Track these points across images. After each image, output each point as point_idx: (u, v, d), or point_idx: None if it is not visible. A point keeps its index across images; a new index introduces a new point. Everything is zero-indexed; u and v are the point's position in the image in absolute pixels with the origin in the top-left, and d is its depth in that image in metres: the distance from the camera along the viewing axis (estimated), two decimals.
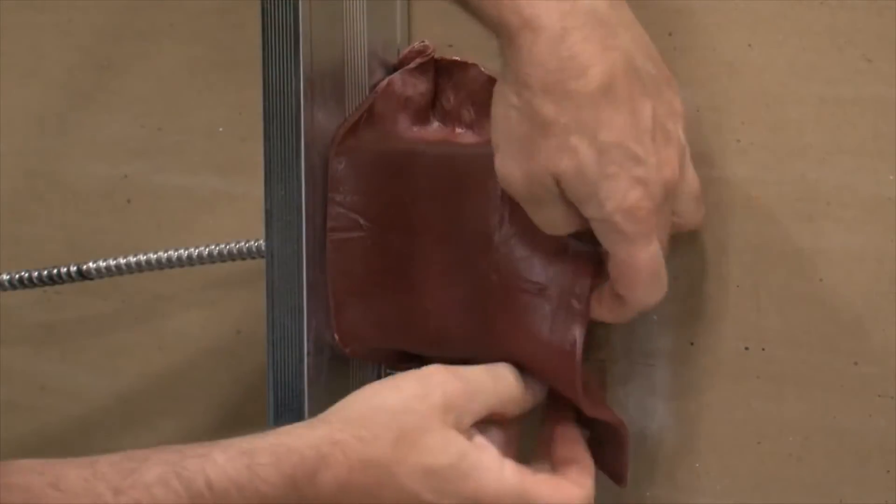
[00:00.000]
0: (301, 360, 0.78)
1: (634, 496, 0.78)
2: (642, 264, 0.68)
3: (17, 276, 0.96)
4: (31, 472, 0.63)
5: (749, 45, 0.74)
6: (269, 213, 0.78)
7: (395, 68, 0.82)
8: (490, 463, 0.69)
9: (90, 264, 0.93)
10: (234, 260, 0.88)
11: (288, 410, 0.78)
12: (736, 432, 0.76)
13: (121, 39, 0.97)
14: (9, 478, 0.62)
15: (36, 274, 0.95)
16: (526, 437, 0.75)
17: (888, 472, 0.72)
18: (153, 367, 0.99)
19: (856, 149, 0.72)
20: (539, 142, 0.66)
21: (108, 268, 0.92)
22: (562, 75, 0.64)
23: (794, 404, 0.75)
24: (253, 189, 0.85)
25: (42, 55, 1.01)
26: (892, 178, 0.71)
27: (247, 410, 0.95)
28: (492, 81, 0.70)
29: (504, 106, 0.67)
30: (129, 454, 0.65)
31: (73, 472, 0.63)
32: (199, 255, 0.89)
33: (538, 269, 0.72)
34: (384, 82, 0.81)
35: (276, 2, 0.76)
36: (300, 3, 0.76)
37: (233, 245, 0.88)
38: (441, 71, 0.82)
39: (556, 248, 0.72)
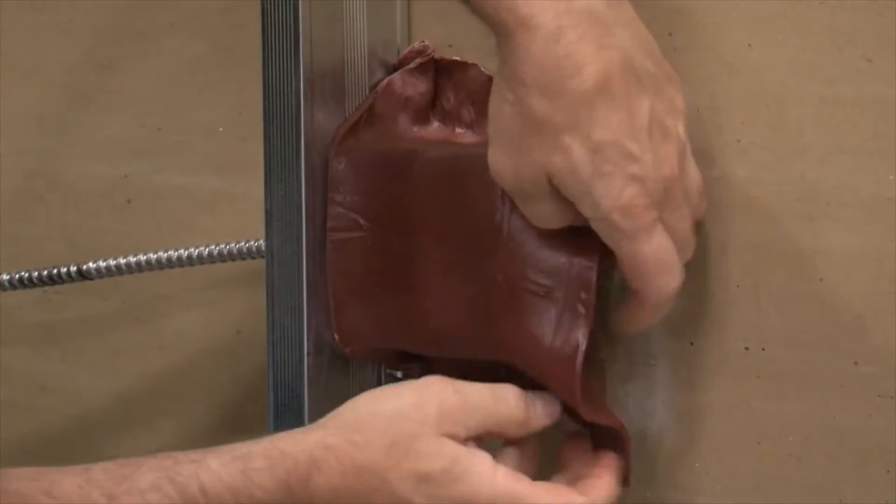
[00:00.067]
0: (301, 360, 0.78)
1: (634, 496, 0.78)
2: (648, 257, 0.68)
3: (17, 276, 0.96)
4: (25, 479, 0.63)
5: (749, 45, 0.74)
6: (269, 213, 0.78)
7: (395, 68, 0.82)
8: (482, 467, 0.69)
9: (90, 264, 0.93)
10: (234, 260, 0.88)
11: (288, 410, 0.78)
12: (736, 432, 0.76)
13: (121, 39, 0.97)
14: (3, 484, 0.62)
15: (36, 274, 0.95)
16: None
17: (888, 472, 0.72)
18: (153, 367, 0.99)
19: (856, 149, 0.72)
20: (531, 139, 0.66)
21: (108, 268, 0.92)
22: (557, 74, 0.65)
23: (794, 404, 0.75)
24: (253, 189, 0.85)
25: (42, 55, 1.01)
26: (892, 178, 0.71)
27: (247, 410, 0.95)
28: (492, 81, 0.70)
29: (499, 101, 0.68)
30: (123, 461, 0.65)
31: (67, 479, 0.64)
32: (199, 255, 0.89)
33: (545, 271, 0.72)
34: (384, 82, 0.81)
35: (276, 2, 0.76)
36: (300, 3, 0.76)
37: (233, 245, 0.88)
38: (441, 71, 0.82)
39: (562, 250, 0.72)
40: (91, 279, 0.93)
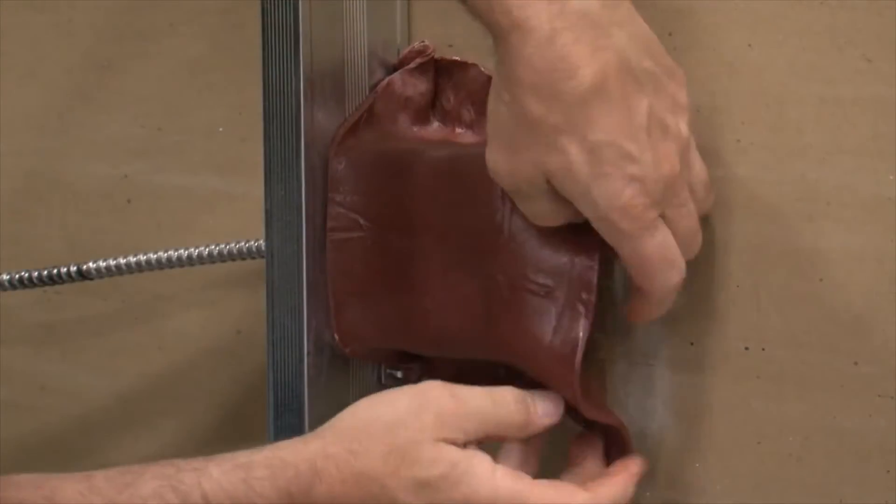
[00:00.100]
0: (301, 360, 0.78)
1: (634, 496, 0.78)
2: (650, 255, 0.68)
3: (17, 276, 0.96)
4: (27, 487, 0.63)
5: (749, 45, 0.74)
6: (269, 213, 0.78)
7: (395, 68, 0.82)
8: (481, 469, 0.68)
9: (90, 264, 0.93)
10: (234, 260, 0.88)
11: (288, 410, 0.78)
12: (736, 432, 0.76)
13: (121, 39, 0.97)
14: (5, 492, 0.62)
15: (36, 274, 0.95)
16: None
17: (888, 472, 0.72)
18: (153, 367, 0.99)
19: (856, 149, 0.72)
20: (527, 139, 0.66)
21: (108, 268, 0.92)
22: (551, 76, 0.65)
23: (794, 404, 0.75)
24: (253, 189, 0.85)
25: (42, 55, 1.01)
26: (892, 178, 0.71)
27: (247, 410, 0.95)
28: (491, 81, 0.70)
29: (496, 101, 0.68)
30: (125, 469, 0.65)
31: (69, 487, 0.64)
32: (199, 255, 0.89)
33: (546, 271, 0.72)
34: (384, 82, 0.81)
35: (276, 2, 0.76)
36: (300, 3, 0.76)
37: (233, 245, 0.88)
38: (441, 71, 0.82)
39: (563, 250, 0.72)
40: (91, 279, 0.93)
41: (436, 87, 0.82)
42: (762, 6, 0.73)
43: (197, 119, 0.94)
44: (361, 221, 0.79)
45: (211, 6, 0.93)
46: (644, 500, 0.79)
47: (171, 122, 0.96)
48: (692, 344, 0.77)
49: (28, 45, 1.01)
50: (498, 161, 0.69)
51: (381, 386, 0.83)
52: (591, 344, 0.73)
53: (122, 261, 0.92)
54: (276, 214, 0.78)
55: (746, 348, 0.76)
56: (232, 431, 0.96)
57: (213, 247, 0.89)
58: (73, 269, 0.93)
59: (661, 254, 0.68)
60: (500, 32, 0.65)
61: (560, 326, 0.72)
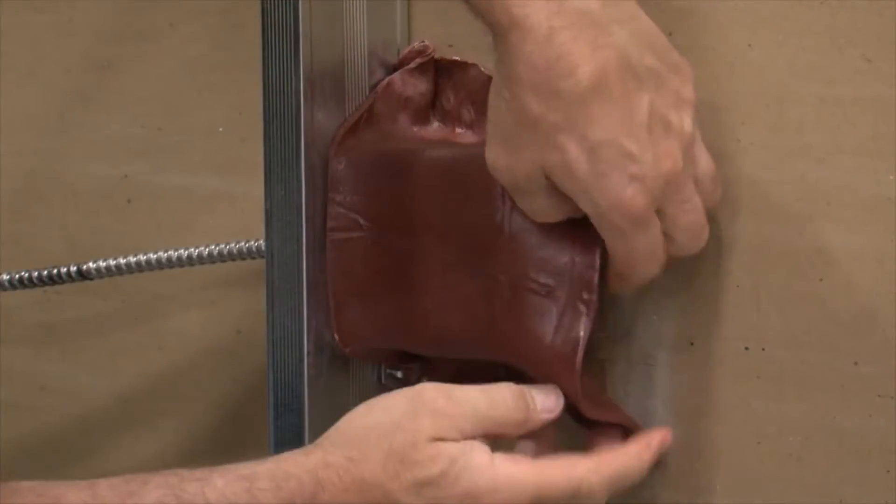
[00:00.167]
0: (301, 360, 0.78)
1: (635, 496, 0.78)
2: (639, 250, 0.69)
3: (17, 276, 0.96)
4: (29, 494, 0.63)
5: (749, 45, 0.74)
6: (269, 213, 0.78)
7: (395, 68, 0.82)
8: (479, 460, 0.69)
9: (90, 264, 0.93)
10: (234, 260, 0.88)
11: (288, 410, 0.78)
12: (736, 432, 0.76)
13: (121, 39, 0.97)
14: (6, 499, 0.62)
15: (36, 274, 0.95)
16: None
17: (888, 472, 0.72)
18: (153, 367, 0.99)
19: (856, 149, 0.72)
20: (526, 137, 0.66)
21: (108, 268, 0.92)
22: (550, 75, 0.65)
23: (794, 404, 0.75)
24: (253, 189, 0.85)
25: (42, 55, 1.01)
26: (892, 178, 0.71)
27: (247, 410, 0.95)
28: (491, 81, 0.70)
29: (496, 97, 0.68)
30: (129, 477, 0.65)
31: (72, 495, 0.63)
32: (199, 255, 0.89)
33: (547, 271, 0.72)
34: (384, 82, 0.81)
35: (276, 2, 0.76)
36: (300, 3, 0.76)
37: (233, 245, 0.88)
38: (441, 71, 0.82)
39: (564, 250, 0.72)
40: (91, 279, 0.93)
41: (436, 87, 0.82)
42: (762, 6, 0.73)
43: (197, 119, 0.94)
44: (361, 221, 0.79)
45: (211, 6, 0.93)
46: (644, 500, 0.79)
47: (171, 122, 0.96)
48: (692, 344, 0.77)
49: (28, 45, 1.01)
50: (497, 158, 0.69)
51: (381, 386, 0.83)
52: (592, 344, 0.73)
53: (122, 261, 0.92)
54: (276, 214, 0.78)
55: (746, 348, 0.76)
56: (232, 431, 0.96)
57: (213, 247, 0.89)
58: (73, 269, 0.93)
59: (648, 249, 0.69)
60: (499, 30, 0.65)
61: (561, 326, 0.72)
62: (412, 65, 0.82)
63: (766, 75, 0.73)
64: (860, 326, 0.72)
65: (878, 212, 0.71)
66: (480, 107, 0.80)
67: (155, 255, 0.91)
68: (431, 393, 0.70)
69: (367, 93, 0.81)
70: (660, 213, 0.68)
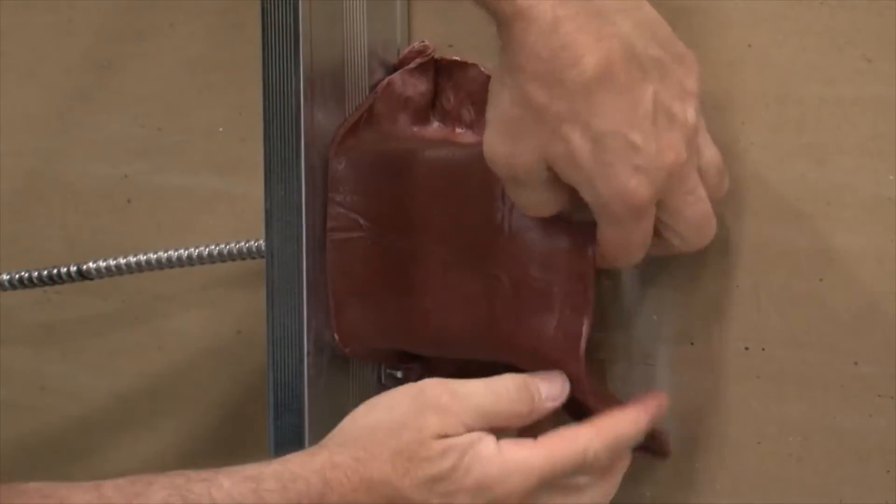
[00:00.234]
0: (301, 360, 0.78)
1: (634, 496, 0.78)
2: (632, 240, 0.69)
3: (17, 276, 0.96)
4: (35, 495, 0.63)
5: (749, 45, 0.74)
6: (269, 213, 0.78)
7: (395, 68, 0.82)
8: (487, 451, 0.69)
9: (90, 264, 0.93)
10: (234, 260, 0.88)
11: (288, 410, 0.78)
12: (736, 432, 0.76)
13: (121, 39, 0.97)
14: (14, 500, 0.62)
15: (36, 274, 0.95)
16: None
17: (888, 472, 0.72)
18: (153, 367, 0.99)
19: (856, 149, 0.72)
20: (529, 126, 0.66)
21: (108, 268, 0.92)
22: (554, 64, 0.64)
23: (794, 404, 0.75)
24: (253, 189, 0.85)
25: (42, 55, 1.01)
26: (892, 178, 0.71)
27: (247, 410, 0.95)
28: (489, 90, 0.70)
29: (498, 86, 0.67)
30: (135, 478, 0.65)
31: (78, 496, 0.63)
32: (199, 255, 0.89)
33: (545, 268, 0.72)
34: (384, 82, 0.81)
35: (276, 2, 0.76)
36: (300, 3, 0.76)
37: (233, 245, 0.88)
38: (441, 71, 0.82)
39: (560, 246, 0.72)
40: (91, 279, 0.93)
41: (436, 87, 0.82)
42: (762, 6, 0.73)
43: (197, 119, 0.94)
44: (361, 221, 0.79)
45: (211, 6, 0.93)
46: (644, 500, 0.79)
47: (171, 122, 0.96)
48: (692, 344, 0.77)
49: (28, 45, 1.01)
50: (498, 149, 0.68)
51: (381, 386, 0.83)
52: (591, 344, 0.73)
53: (122, 261, 0.92)
54: (276, 214, 0.78)
55: (746, 348, 0.76)
56: (232, 431, 0.96)
57: (213, 247, 0.89)
58: (73, 269, 0.93)
59: (640, 239, 0.69)
60: (503, 20, 0.65)
61: (562, 321, 0.72)
62: (412, 65, 0.82)
63: (766, 75, 0.73)
64: (860, 326, 0.72)
65: (878, 212, 0.71)
66: (480, 107, 0.80)
67: (155, 255, 0.91)
68: (434, 389, 0.70)
69: (367, 93, 0.81)
70: (663, 205, 0.68)
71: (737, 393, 0.76)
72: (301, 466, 0.67)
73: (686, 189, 0.68)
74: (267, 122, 0.78)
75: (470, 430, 0.69)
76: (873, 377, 0.72)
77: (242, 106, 0.91)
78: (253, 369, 0.93)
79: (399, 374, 0.83)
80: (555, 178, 0.68)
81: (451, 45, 0.82)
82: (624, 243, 0.69)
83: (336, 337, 0.79)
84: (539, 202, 0.70)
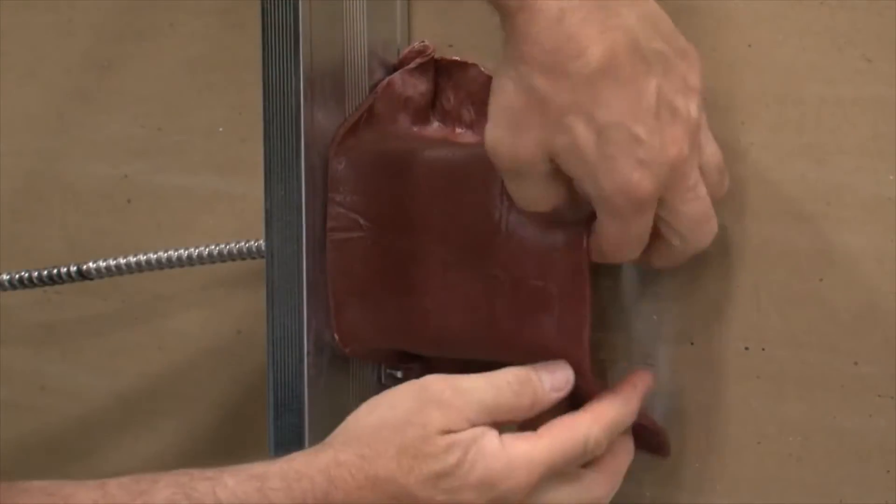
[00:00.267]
0: (301, 360, 0.78)
1: (634, 496, 0.78)
2: (632, 235, 0.69)
3: (17, 276, 0.96)
4: (41, 493, 0.63)
5: (749, 45, 0.74)
6: (269, 213, 0.78)
7: (395, 68, 0.82)
8: (491, 446, 0.68)
9: (90, 264, 0.93)
10: (234, 260, 0.88)
11: (288, 410, 0.78)
12: (736, 432, 0.76)
13: (121, 39, 0.97)
14: (18, 498, 0.62)
15: (36, 274, 0.95)
16: None
17: (888, 472, 0.72)
18: (153, 367, 0.99)
19: (856, 149, 0.72)
20: (533, 118, 0.66)
21: (108, 268, 0.92)
22: (559, 56, 0.64)
23: (794, 404, 0.75)
24: (253, 189, 0.85)
25: (42, 55, 1.01)
26: (892, 178, 0.71)
27: (247, 410, 0.95)
28: (491, 81, 0.70)
29: (502, 77, 0.67)
30: (139, 476, 0.65)
31: (83, 494, 0.63)
32: (199, 255, 0.89)
33: (542, 265, 0.72)
34: (384, 82, 0.81)
35: (276, 2, 0.76)
36: (300, 3, 0.76)
37: (233, 245, 0.88)
38: (441, 71, 0.82)
39: (556, 243, 0.72)
40: (91, 279, 0.93)
41: (436, 87, 0.82)
42: (762, 6, 0.73)
43: (197, 119, 0.94)
44: (361, 221, 0.79)
45: (211, 6, 0.93)
46: (644, 500, 0.79)
47: (171, 122, 0.96)
48: (692, 344, 0.77)
49: (28, 45, 1.01)
50: (500, 139, 0.68)
51: (381, 386, 0.83)
52: (591, 343, 0.73)
53: (122, 261, 0.92)
54: (276, 214, 0.78)
55: (746, 348, 0.76)
56: (232, 431, 0.96)
57: (213, 247, 0.89)
58: (73, 269, 0.93)
59: (639, 233, 0.69)
60: (508, 11, 0.65)
61: (562, 315, 0.72)
62: (412, 65, 0.82)
63: (766, 75, 0.73)
64: (860, 326, 0.72)
65: (878, 212, 0.71)
66: (480, 107, 0.80)
67: (155, 255, 0.91)
68: (437, 385, 0.70)
69: (367, 93, 0.81)
70: (664, 202, 0.68)
71: (737, 393, 0.76)
72: (306, 465, 0.67)
73: (687, 186, 0.68)
74: (267, 122, 0.77)
75: (473, 424, 0.69)
76: (873, 377, 0.72)
77: (242, 106, 0.91)
78: (253, 369, 0.93)
79: (399, 374, 0.83)
80: (554, 172, 0.68)
81: (451, 45, 0.82)
82: (623, 237, 0.69)
83: (336, 337, 0.79)
84: (537, 196, 0.70)
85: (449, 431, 0.68)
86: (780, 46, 0.73)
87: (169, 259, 0.90)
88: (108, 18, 0.98)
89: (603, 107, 0.65)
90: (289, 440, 0.78)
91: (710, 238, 0.71)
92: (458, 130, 0.82)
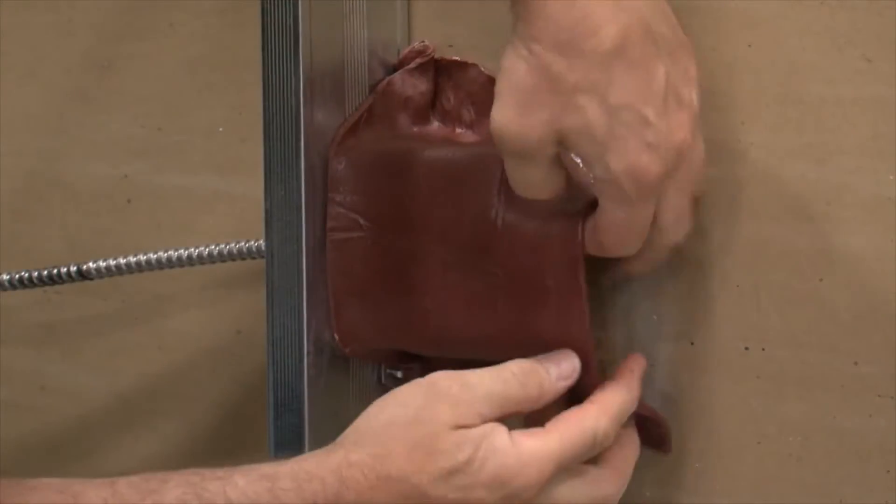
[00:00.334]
0: (301, 360, 0.78)
1: (634, 495, 0.78)
2: (636, 224, 0.69)
3: (17, 276, 0.96)
4: (50, 490, 0.63)
5: (749, 45, 0.74)
6: (269, 213, 0.78)
7: (395, 68, 0.82)
8: (502, 442, 0.68)
9: (90, 264, 0.93)
10: (234, 260, 0.88)
11: (288, 410, 0.78)
12: (736, 432, 0.76)
13: (121, 39, 0.97)
14: (28, 496, 0.62)
15: (36, 274, 0.95)
16: None
17: (888, 472, 0.72)
18: (153, 367, 0.99)
19: (856, 149, 0.72)
20: (544, 97, 0.66)
21: (108, 268, 0.92)
22: (574, 34, 0.64)
23: (794, 404, 0.75)
24: (253, 189, 0.85)
25: (42, 55, 1.01)
26: (892, 178, 0.71)
27: (247, 410, 0.95)
28: (492, 81, 0.70)
29: (513, 57, 0.66)
30: (149, 475, 0.65)
31: (93, 492, 0.63)
32: (199, 255, 0.89)
33: (539, 258, 0.72)
34: (384, 82, 0.81)
35: (276, 2, 0.76)
36: (300, 3, 0.76)
37: (233, 245, 0.88)
38: (441, 71, 0.82)
39: (550, 237, 0.72)
40: (91, 279, 0.93)
41: (436, 87, 0.82)
42: (762, 6, 0.73)
43: (197, 119, 0.94)
44: (361, 221, 0.79)
45: (211, 6, 0.93)
46: (644, 500, 0.79)
47: (171, 122, 0.96)
48: (692, 344, 0.77)
49: (28, 45, 1.01)
50: (509, 119, 0.67)
51: (381, 386, 0.83)
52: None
53: (122, 261, 0.92)
54: (276, 214, 0.78)
55: (746, 348, 0.76)
56: (232, 431, 0.96)
57: (213, 247, 0.89)
58: (73, 269, 0.93)
59: (642, 223, 0.69)
60: None
61: (562, 310, 0.72)
62: (412, 65, 0.82)
63: (766, 75, 0.73)
64: (860, 326, 0.72)
65: (878, 212, 0.71)
66: (480, 107, 0.80)
67: (155, 255, 0.91)
68: (445, 381, 0.70)
69: (367, 93, 0.81)
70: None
71: (737, 393, 0.76)
72: (317, 466, 0.67)
73: (680, 175, 0.68)
74: (267, 122, 0.77)
75: (483, 418, 0.69)
76: (873, 377, 0.72)
77: (242, 106, 0.91)
78: (253, 369, 0.93)
79: (399, 374, 0.83)
80: (557, 159, 0.68)
81: (451, 45, 0.82)
82: (626, 226, 0.68)
83: (336, 337, 0.80)
84: (540, 181, 0.69)
85: (459, 427, 0.68)
86: (780, 46, 0.73)
87: (169, 259, 0.90)
88: (108, 18, 0.98)
89: (615, 87, 0.65)
90: (289, 440, 0.78)
91: (686, 232, 0.71)
92: (458, 130, 0.82)
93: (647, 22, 0.65)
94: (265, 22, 0.77)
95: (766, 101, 0.74)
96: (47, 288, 0.98)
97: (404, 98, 0.82)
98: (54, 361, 1.03)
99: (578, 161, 0.67)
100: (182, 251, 0.89)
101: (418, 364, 0.82)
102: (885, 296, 0.71)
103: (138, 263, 0.91)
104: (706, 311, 0.76)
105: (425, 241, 0.77)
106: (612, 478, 0.72)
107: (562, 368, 0.72)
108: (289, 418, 0.78)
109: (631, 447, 0.74)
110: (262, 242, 0.83)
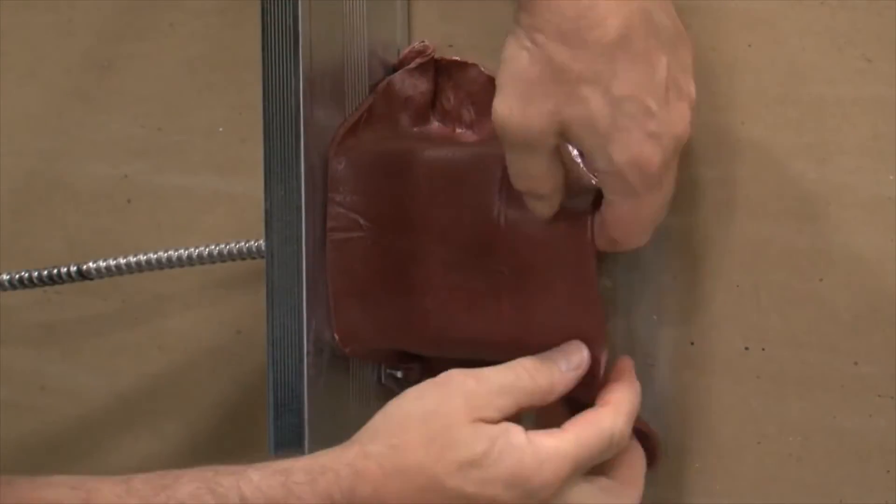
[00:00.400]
0: (301, 360, 0.78)
1: None
2: (644, 216, 0.69)
3: (17, 276, 0.96)
4: (63, 487, 0.63)
5: (749, 45, 0.74)
6: (269, 213, 0.78)
7: (395, 68, 0.82)
8: (519, 440, 0.68)
9: (90, 264, 0.93)
10: (234, 260, 0.88)
11: (288, 410, 0.78)
12: (736, 432, 0.76)
13: (121, 39, 0.97)
14: (42, 492, 0.62)
15: (36, 274, 0.95)
16: None
17: (888, 472, 0.72)
18: (153, 367, 0.99)
19: (856, 149, 0.72)
20: (547, 87, 0.66)
21: (108, 268, 0.92)
22: (578, 24, 0.64)
23: (794, 404, 0.75)
24: (253, 189, 0.85)
25: (42, 55, 1.01)
26: (892, 178, 0.71)
27: (247, 410, 0.95)
28: (492, 81, 0.70)
29: (516, 47, 0.66)
30: (163, 472, 0.65)
31: (107, 488, 0.64)
32: (199, 255, 0.89)
33: (547, 253, 0.72)
34: (384, 82, 0.81)
35: (276, 2, 0.76)
36: (300, 3, 0.76)
37: (233, 245, 0.88)
38: (441, 71, 0.82)
39: (557, 234, 0.72)
40: (91, 279, 0.93)
41: (436, 87, 0.82)
42: (762, 6, 0.73)
43: (197, 119, 0.94)
44: (361, 221, 0.79)
45: (211, 6, 0.93)
46: (644, 500, 0.79)
47: (171, 122, 0.96)
48: (692, 344, 0.77)
49: (28, 45, 1.01)
50: (511, 109, 0.67)
51: (381, 386, 0.83)
52: None
53: (122, 261, 0.92)
54: (276, 214, 0.78)
55: (746, 348, 0.76)
56: (232, 431, 0.96)
57: (213, 247, 0.89)
58: (73, 269, 0.93)
59: (652, 217, 0.69)
60: None
61: (573, 309, 0.72)
62: (412, 65, 0.82)
63: (766, 75, 0.73)
64: (860, 326, 0.72)
65: (878, 212, 0.71)
66: (480, 107, 0.80)
67: (155, 255, 0.91)
68: (459, 377, 0.70)
69: (367, 93, 0.81)
70: None
71: (737, 393, 0.76)
72: (332, 459, 0.67)
73: (674, 165, 0.68)
74: (267, 122, 0.77)
75: (500, 410, 0.69)
76: (873, 377, 0.72)
77: (242, 106, 0.91)
78: (253, 369, 0.93)
79: (399, 374, 0.83)
80: (558, 152, 0.68)
81: (451, 45, 0.82)
82: (634, 218, 0.69)
83: (336, 337, 0.80)
84: (540, 174, 0.69)
85: (476, 420, 0.68)
86: (780, 46, 0.73)
87: (169, 259, 0.90)
88: (108, 18, 0.98)
89: (618, 78, 0.65)
90: (289, 440, 0.78)
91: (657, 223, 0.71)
92: (458, 130, 0.82)
93: (649, 13, 0.66)
94: (265, 22, 0.77)
95: (766, 101, 0.74)
96: (47, 288, 0.98)
97: (404, 98, 0.82)
98: (54, 361, 1.03)
99: (579, 161, 0.67)
100: (182, 251, 0.89)
101: (418, 364, 0.82)
102: (885, 296, 0.71)
103: (138, 263, 0.91)
104: (706, 311, 0.76)
105: (425, 240, 0.77)
106: (629, 490, 0.72)
107: (571, 359, 0.72)
108: (289, 418, 0.78)
109: (639, 460, 0.74)
110: (262, 242, 0.83)
